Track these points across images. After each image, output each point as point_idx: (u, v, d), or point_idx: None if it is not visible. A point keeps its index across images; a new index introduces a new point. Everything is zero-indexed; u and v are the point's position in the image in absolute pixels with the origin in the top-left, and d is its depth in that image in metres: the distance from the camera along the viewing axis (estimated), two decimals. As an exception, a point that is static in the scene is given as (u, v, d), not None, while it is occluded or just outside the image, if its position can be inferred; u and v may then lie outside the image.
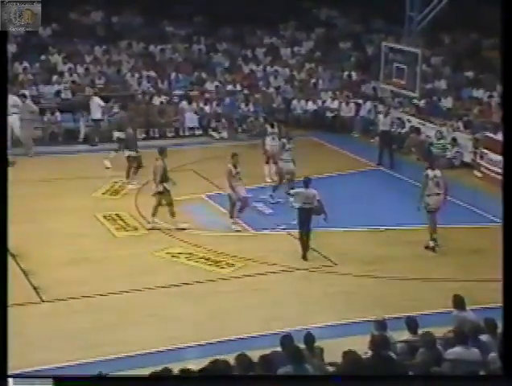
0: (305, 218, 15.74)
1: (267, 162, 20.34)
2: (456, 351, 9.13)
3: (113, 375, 9.37)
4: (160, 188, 16.90)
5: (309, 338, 9.57)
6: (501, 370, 8.06)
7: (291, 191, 16.77)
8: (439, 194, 16.38)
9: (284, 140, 19.13)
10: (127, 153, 19.87)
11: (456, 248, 16.39)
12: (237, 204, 17.20)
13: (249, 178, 19.59)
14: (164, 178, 16.96)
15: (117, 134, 21.49)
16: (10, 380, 7.37)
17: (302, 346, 9.27)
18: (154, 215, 17.03)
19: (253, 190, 19.03)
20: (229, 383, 7.79)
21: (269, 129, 20.80)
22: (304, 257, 15.70)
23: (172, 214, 16.96)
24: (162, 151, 17.37)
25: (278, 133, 20.57)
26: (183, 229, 16.92)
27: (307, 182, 15.89)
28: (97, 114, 23.83)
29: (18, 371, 9.14)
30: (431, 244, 16.36)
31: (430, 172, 16.48)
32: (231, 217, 17.14)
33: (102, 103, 23.83)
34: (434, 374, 8.59)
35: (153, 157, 17.48)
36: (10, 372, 7.70)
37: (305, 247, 15.77)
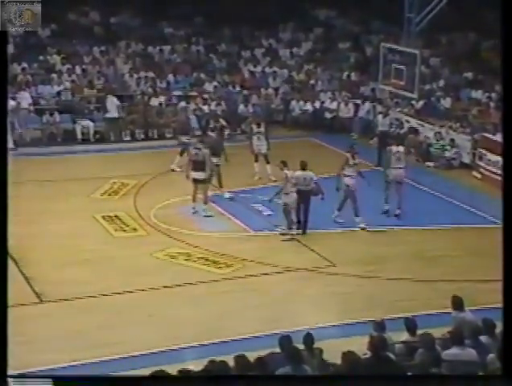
0: (302, 199, 16.57)
1: (256, 161, 20.35)
2: (452, 352, 9.15)
3: (113, 375, 9.39)
4: (202, 176, 17.49)
5: (308, 339, 9.58)
6: (500, 370, 8.07)
7: (294, 174, 16.70)
8: (399, 168, 17.79)
9: (348, 154, 17.54)
10: (214, 160, 18.48)
11: (455, 249, 16.40)
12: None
13: (248, 178, 19.69)
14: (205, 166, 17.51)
15: (182, 138, 21.31)
16: (10, 380, 7.38)
17: (301, 346, 9.28)
18: (205, 203, 17.78)
19: (254, 190, 19.06)
20: (228, 383, 7.80)
21: (254, 129, 20.76)
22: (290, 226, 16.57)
23: (206, 202, 17.77)
24: (203, 140, 18.32)
25: (263, 133, 20.53)
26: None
27: (303, 165, 16.63)
28: (113, 113, 24.42)
29: (18, 372, 9.13)
30: (398, 211, 17.90)
31: (394, 148, 17.99)
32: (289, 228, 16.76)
33: (118, 102, 24.54)
34: (433, 374, 8.61)
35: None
36: (10, 372, 7.71)
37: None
